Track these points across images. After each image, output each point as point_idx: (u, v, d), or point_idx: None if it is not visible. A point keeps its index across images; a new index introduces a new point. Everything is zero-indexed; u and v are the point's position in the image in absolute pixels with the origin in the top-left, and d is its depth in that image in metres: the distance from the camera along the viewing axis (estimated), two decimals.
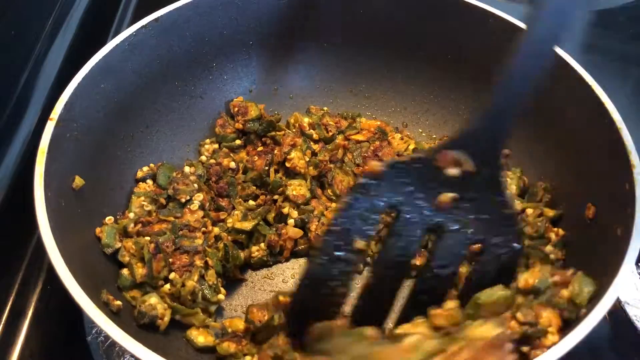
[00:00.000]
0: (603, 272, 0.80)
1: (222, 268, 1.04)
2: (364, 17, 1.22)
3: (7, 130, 1.22)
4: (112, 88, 1.03)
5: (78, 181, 0.95)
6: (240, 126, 1.20)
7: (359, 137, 1.23)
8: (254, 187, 1.15)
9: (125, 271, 0.98)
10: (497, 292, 0.83)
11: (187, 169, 1.13)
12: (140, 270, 0.97)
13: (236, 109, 1.21)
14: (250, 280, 1.10)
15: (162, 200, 1.07)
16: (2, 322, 1.03)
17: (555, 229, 1.01)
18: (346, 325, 0.86)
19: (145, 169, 1.12)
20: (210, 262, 1.01)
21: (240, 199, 1.13)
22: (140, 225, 1.03)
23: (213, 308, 1.00)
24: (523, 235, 0.97)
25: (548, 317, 0.79)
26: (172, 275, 0.97)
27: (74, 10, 1.50)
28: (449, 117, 1.26)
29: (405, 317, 0.89)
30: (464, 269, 0.96)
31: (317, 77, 1.31)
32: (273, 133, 1.20)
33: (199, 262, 0.99)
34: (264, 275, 1.11)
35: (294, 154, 1.14)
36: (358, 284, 1.02)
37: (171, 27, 1.11)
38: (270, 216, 1.13)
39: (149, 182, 1.11)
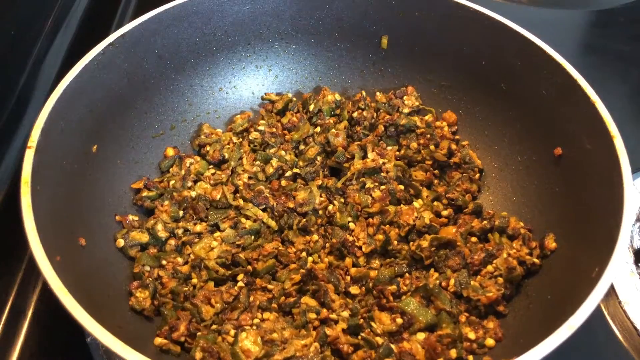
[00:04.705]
0: (598, 257, 0.81)
1: None
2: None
3: (7, 130, 1.22)
4: (87, 108, 1.01)
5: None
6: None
7: None
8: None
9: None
10: None
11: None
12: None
13: None
14: None
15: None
16: (2, 322, 1.03)
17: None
18: None
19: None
20: None
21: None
22: None
23: None
24: None
25: None
26: None
27: (74, 10, 1.50)
28: None
29: None
30: None
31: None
32: None
33: None
34: None
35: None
36: None
37: (138, 42, 1.09)
38: None
39: None
